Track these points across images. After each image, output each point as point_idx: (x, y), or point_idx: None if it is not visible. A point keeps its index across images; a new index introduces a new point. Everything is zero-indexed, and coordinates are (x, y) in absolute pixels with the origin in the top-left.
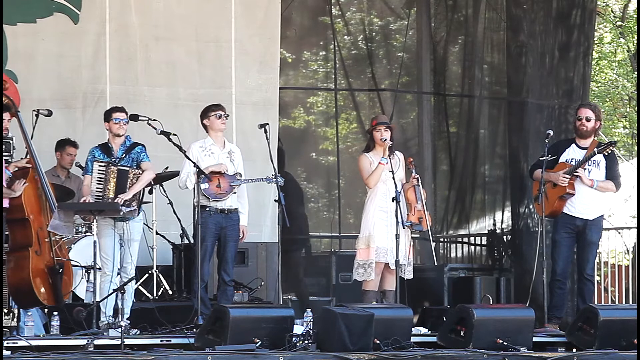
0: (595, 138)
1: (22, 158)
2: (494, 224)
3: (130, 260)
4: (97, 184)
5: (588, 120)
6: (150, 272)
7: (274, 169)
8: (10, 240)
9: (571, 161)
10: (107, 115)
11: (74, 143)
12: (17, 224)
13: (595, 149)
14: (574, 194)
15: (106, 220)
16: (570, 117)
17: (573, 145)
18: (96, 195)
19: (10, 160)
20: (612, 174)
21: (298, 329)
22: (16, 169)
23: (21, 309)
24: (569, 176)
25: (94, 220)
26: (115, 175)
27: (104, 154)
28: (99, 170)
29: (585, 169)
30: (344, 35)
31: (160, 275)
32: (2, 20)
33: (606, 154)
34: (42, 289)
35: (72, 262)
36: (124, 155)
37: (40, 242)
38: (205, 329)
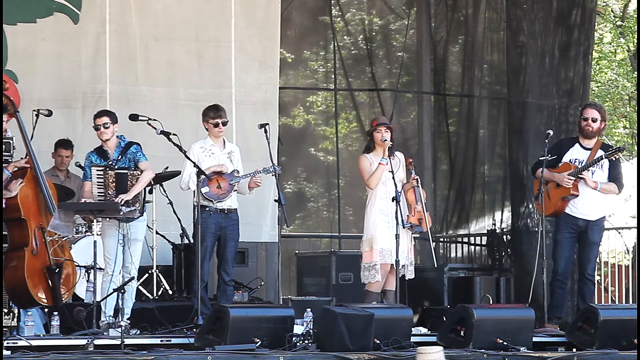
0: (599, 138)
1: (21, 158)
2: (494, 224)
3: (132, 260)
4: (98, 188)
5: (594, 120)
6: (150, 272)
7: (272, 162)
8: (9, 240)
9: (575, 161)
10: (93, 122)
11: (66, 144)
12: (14, 224)
13: (603, 154)
14: (577, 196)
15: (111, 221)
16: (570, 117)
17: (577, 145)
18: (99, 200)
19: (10, 160)
20: (615, 176)
21: (298, 329)
22: (15, 169)
23: (21, 309)
24: (574, 178)
25: (95, 220)
26: (114, 179)
27: (100, 158)
28: (98, 175)
29: (588, 170)
30: (344, 35)
31: (160, 275)
32: (2, 20)
33: (613, 159)
34: (39, 289)
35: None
36: (120, 157)
37: (37, 242)
38: (205, 329)
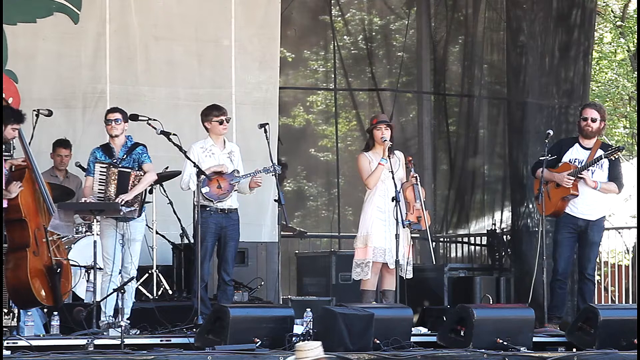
0: (599, 138)
1: (20, 158)
2: (494, 224)
3: (131, 260)
4: (99, 185)
5: (594, 121)
6: (150, 272)
7: (272, 162)
8: (8, 241)
9: (574, 161)
10: (105, 118)
11: (65, 143)
12: (14, 225)
13: (603, 154)
14: (577, 196)
15: (108, 221)
16: (570, 117)
17: (576, 145)
18: (98, 197)
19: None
20: (615, 176)
21: (298, 329)
22: (12, 167)
23: (21, 309)
24: (574, 178)
25: (94, 220)
26: (116, 177)
27: (105, 155)
28: (101, 171)
29: (588, 170)
30: (344, 35)
31: (160, 275)
32: (2, 20)
33: (612, 159)
34: (40, 290)
35: (72, 262)
36: (125, 156)
37: (38, 243)
38: (205, 329)
